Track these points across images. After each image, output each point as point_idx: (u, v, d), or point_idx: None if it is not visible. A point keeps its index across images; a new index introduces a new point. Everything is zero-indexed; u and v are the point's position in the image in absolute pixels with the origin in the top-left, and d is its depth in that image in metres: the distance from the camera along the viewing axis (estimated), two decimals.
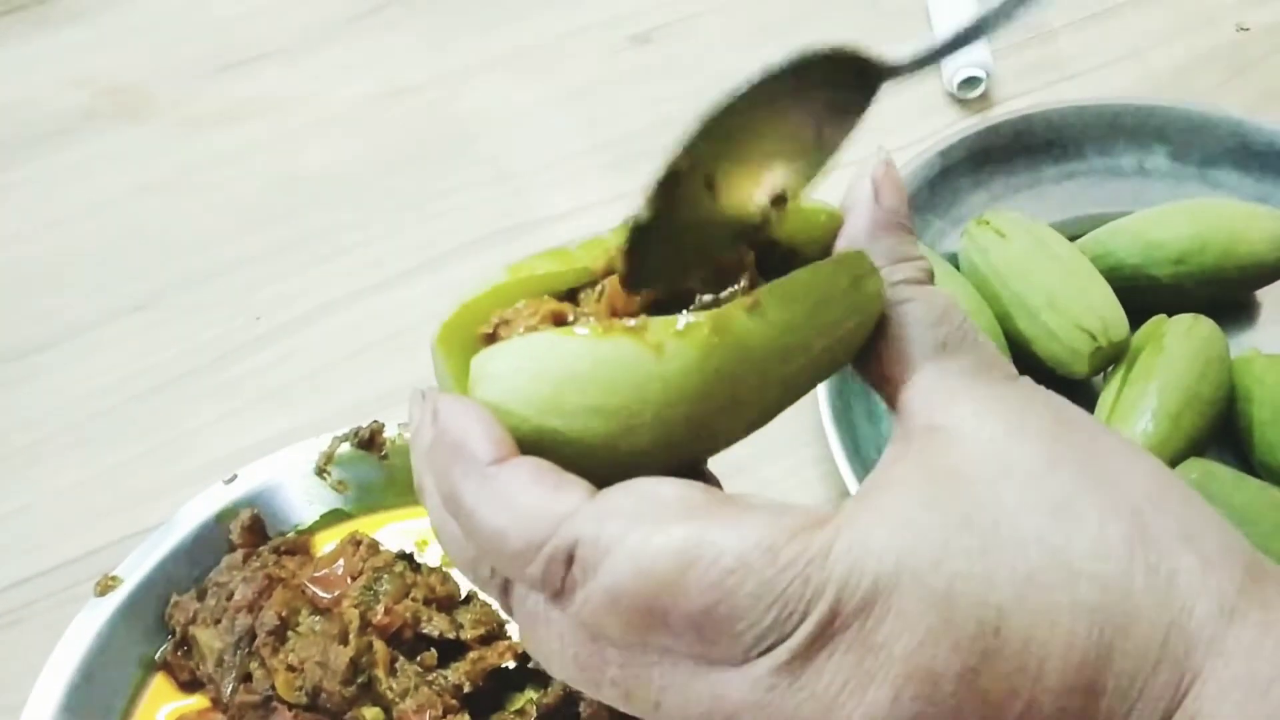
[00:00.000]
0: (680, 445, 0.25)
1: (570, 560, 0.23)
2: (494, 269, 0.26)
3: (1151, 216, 0.51)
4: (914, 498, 0.24)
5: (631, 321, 0.24)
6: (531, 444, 0.25)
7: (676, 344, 0.24)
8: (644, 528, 0.23)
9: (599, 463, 0.25)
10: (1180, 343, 0.46)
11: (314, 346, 0.52)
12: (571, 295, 0.27)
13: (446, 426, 0.24)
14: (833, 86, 0.26)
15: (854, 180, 0.29)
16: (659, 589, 0.22)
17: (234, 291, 0.53)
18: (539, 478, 0.23)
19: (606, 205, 0.56)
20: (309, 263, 0.54)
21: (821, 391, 0.46)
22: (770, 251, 0.28)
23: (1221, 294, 0.50)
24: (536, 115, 0.60)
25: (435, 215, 0.56)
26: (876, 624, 0.22)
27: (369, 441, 0.46)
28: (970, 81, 0.59)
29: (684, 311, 0.25)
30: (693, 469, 0.28)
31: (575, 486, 0.24)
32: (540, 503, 0.23)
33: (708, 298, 0.27)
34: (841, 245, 0.29)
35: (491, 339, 0.26)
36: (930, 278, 0.28)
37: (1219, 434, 0.47)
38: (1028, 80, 0.61)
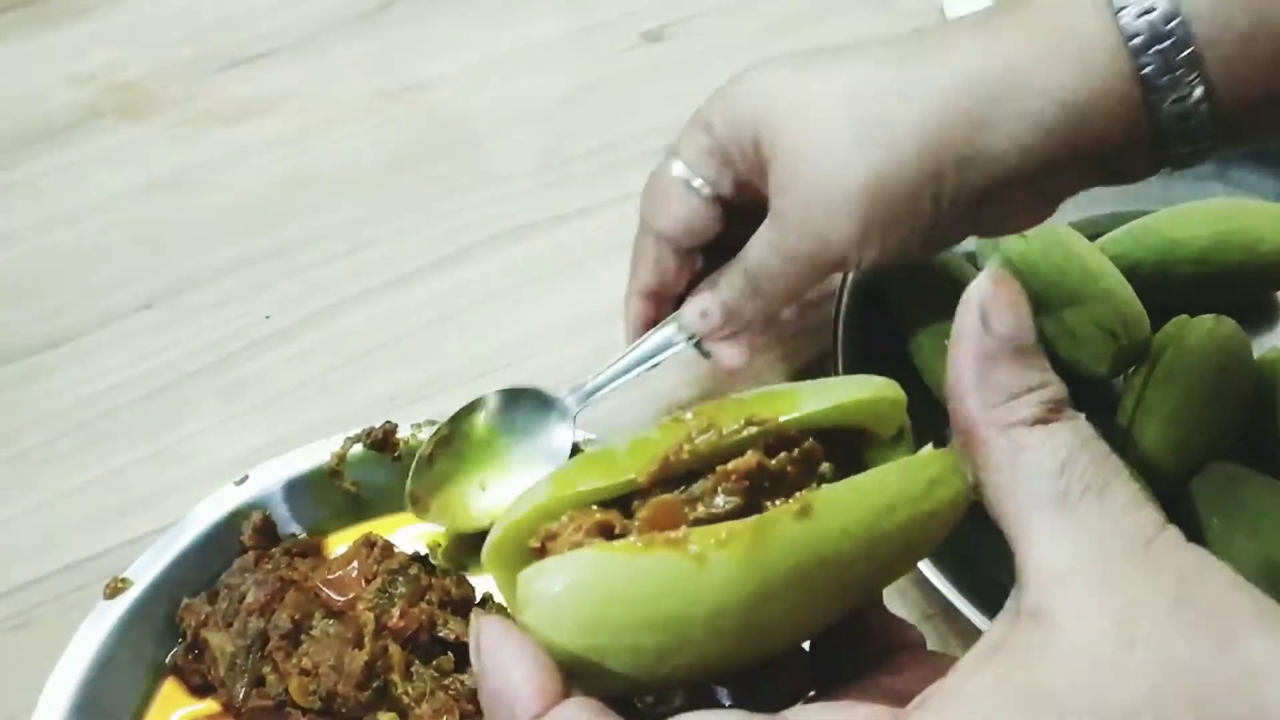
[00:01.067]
0: (737, 653, 0.25)
1: None
2: (539, 481, 0.27)
3: (1172, 216, 0.50)
4: None
5: (674, 534, 0.24)
6: (579, 662, 0.24)
7: (718, 555, 0.24)
8: None
9: (654, 675, 0.25)
10: (1203, 343, 0.46)
11: (324, 346, 0.51)
12: (623, 501, 0.26)
13: (489, 670, 0.24)
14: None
15: (960, 304, 0.25)
16: None
17: (241, 291, 0.53)
18: None
19: (618, 204, 0.55)
20: (317, 262, 0.53)
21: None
22: (844, 438, 0.27)
23: (1243, 294, 0.50)
24: (548, 112, 0.59)
25: (447, 214, 0.56)
26: None
27: (382, 442, 0.45)
28: None
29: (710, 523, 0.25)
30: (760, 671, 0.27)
31: None
32: None
33: (771, 502, 0.26)
34: (950, 379, 0.25)
35: (540, 553, 0.26)
36: (1059, 408, 0.24)
37: (1243, 435, 0.46)
38: None
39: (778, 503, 0.25)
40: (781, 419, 0.26)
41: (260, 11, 0.63)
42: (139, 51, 0.62)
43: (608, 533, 0.25)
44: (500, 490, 0.41)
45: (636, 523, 0.26)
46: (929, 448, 0.27)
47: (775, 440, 0.26)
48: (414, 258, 0.54)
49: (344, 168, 0.57)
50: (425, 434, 0.45)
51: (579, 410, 0.43)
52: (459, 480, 0.42)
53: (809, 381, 0.28)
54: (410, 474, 0.41)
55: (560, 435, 0.43)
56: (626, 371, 0.44)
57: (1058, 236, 0.48)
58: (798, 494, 0.25)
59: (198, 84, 0.60)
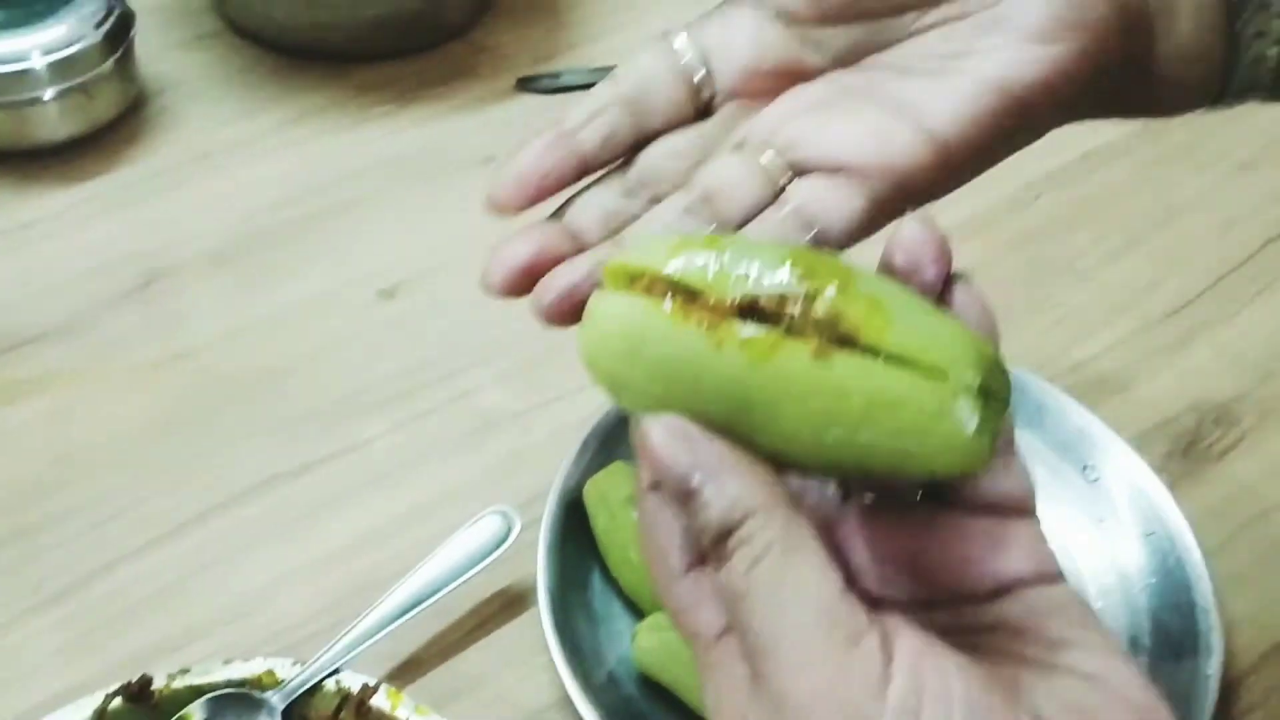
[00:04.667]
0: (745, 441, 0.28)
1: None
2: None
3: None
4: None
5: (713, 316, 0.28)
6: (611, 382, 0.30)
7: (734, 349, 0.28)
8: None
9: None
10: None
11: (88, 609, 0.56)
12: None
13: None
14: None
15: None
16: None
17: (13, 564, 0.58)
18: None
19: (360, 449, 0.63)
20: (84, 530, 0.59)
21: (541, 585, 0.53)
22: None
23: None
24: (298, 369, 0.67)
25: (207, 470, 0.62)
26: None
27: (138, 694, 0.51)
28: None
29: (763, 324, 0.28)
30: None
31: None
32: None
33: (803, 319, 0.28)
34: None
35: (629, 284, 0.29)
36: (721, 539, 0.28)
37: None
38: None
39: (814, 336, 0.28)
40: (861, 339, 0.28)
41: (28, 299, 0.70)
42: None
43: (672, 296, 0.29)
44: None
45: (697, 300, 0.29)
46: (964, 396, 0.28)
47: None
48: (176, 514, 0.60)
49: (111, 438, 0.63)
50: (180, 682, 0.51)
51: (284, 706, 0.49)
52: None
53: (928, 306, 0.29)
54: None
55: None
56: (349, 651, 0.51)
57: None
58: (837, 337, 0.28)
59: None
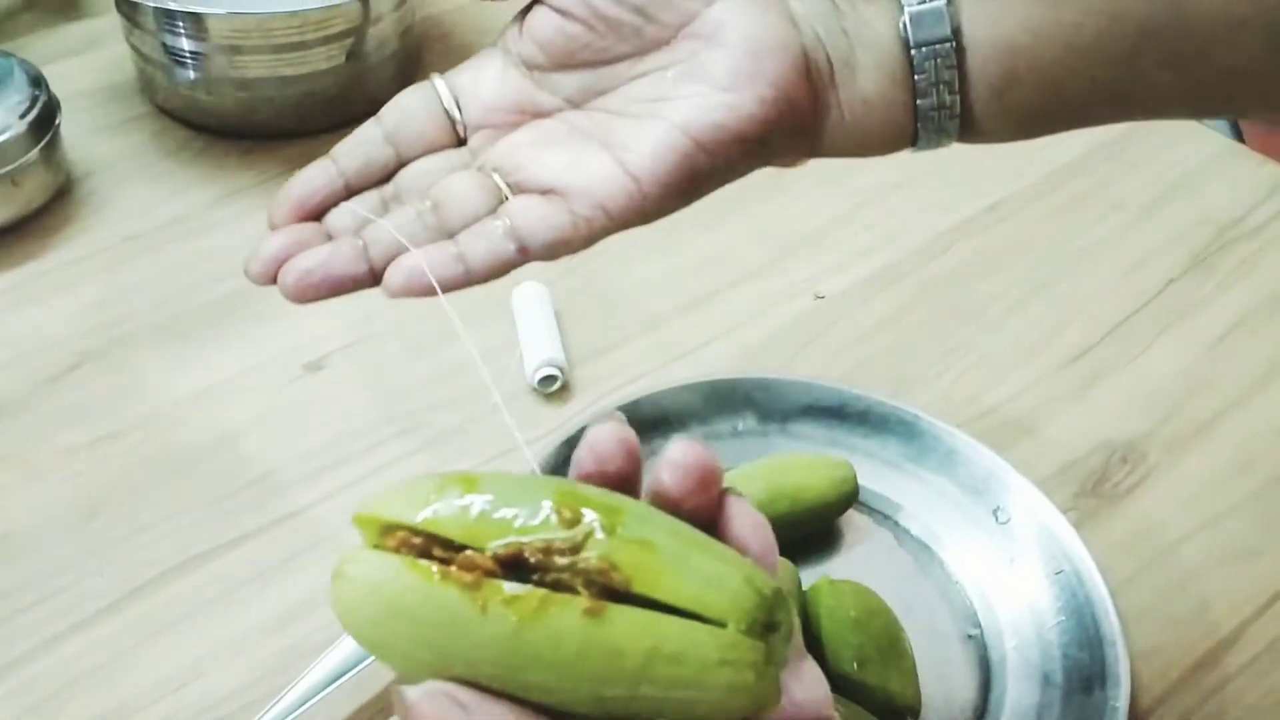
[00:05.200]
0: (499, 693, 0.28)
1: None
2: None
3: (734, 477, 0.61)
4: None
5: (472, 576, 0.27)
6: (370, 646, 0.29)
7: (500, 609, 0.26)
8: None
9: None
10: None
11: (16, 693, 0.57)
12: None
13: None
14: None
15: None
16: None
17: None
18: None
19: (285, 521, 0.64)
20: (9, 616, 0.60)
21: None
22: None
23: (795, 534, 0.61)
24: (223, 447, 0.68)
25: (133, 550, 0.63)
26: None
27: None
28: (548, 379, 0.69)
29: (525, 584, 0.27)
30: None
31: None
32: None
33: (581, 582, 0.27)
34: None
35: (383, 537, 0.29)
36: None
37: None
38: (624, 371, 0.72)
39: (584, 589, 0.27)
40: (634, 589, 0.27)
41: None
42: None
43: (428, 553, 0.28)
44: None
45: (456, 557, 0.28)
46: (744, 635, 0.27)
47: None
48: (109, 593, 0.61)
49: (44, 520, 0.64)
50: None
51: None
52: None
53: (700, 540, 0.29)
54: None
55: None
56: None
57: None
58: (606, 590, 0.27)
59: None
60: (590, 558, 0.27)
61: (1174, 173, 0.87)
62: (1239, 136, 1.04)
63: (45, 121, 0.79)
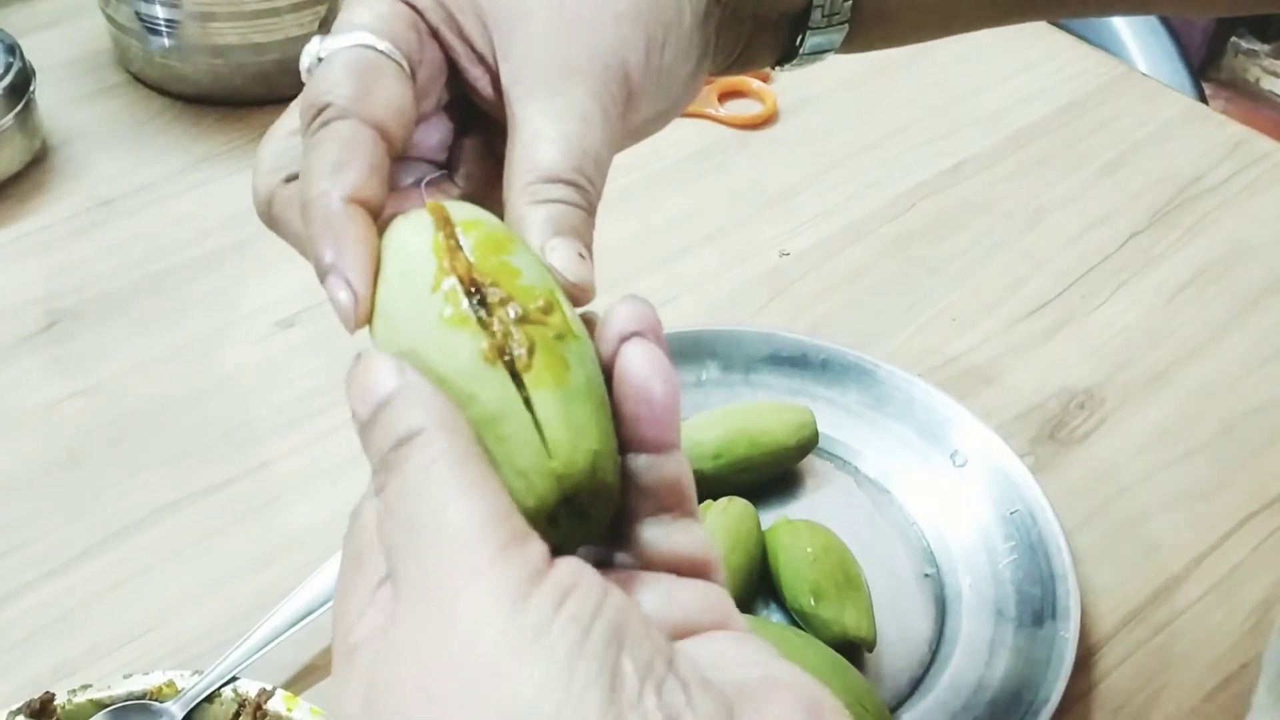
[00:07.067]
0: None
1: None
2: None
3: (695, 422, 0.62)
4: None
5: (461, 273, 0.30)
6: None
7: (441, 303, 0.29)
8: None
9: None
10: (717, 520, 0.58)
11: None
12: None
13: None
14: None
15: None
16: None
17: None
18: None
19: (258, 471, 0.65)
20: None
21: None
22: None
23: (755, 477, 0.62)
24: (200, 401, 0.69)
25: (110, 500, 0.64)
26: None
27: (40, 710, 0.52)
28: None
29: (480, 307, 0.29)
30: None
31: None
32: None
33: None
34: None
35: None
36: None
37: (756, 592, 0.58)
38: None
39: (506, 345, 0.29)
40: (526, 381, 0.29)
41: None
42: None
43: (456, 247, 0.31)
44: None
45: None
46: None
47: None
48: (79, 542, 0.62)
49: (16, 472, 0.65)
50: (81, 698, 0.53)
51: (184, 714, 0.52)
52: None
53: (594, 400, 0.29)
54: None
55: None
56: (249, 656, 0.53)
57: None
58: (516, 361, 0.29)
59: None
60: (532, 326, 0.29)
61: (1136, 134, 0.88)
62: (1201, 97, 1.06)
63: (19, 88, 0.80)
